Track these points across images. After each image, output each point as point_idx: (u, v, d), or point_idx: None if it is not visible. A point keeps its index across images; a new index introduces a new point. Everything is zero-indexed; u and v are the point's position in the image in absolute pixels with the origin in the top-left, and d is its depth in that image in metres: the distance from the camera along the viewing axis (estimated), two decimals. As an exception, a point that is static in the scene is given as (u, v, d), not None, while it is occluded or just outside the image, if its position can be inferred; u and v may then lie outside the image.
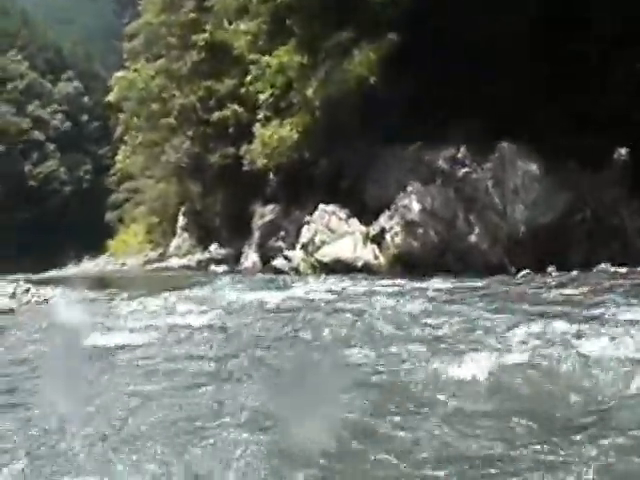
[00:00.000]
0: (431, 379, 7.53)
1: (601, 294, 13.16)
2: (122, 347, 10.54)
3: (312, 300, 14.86)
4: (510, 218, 21.17)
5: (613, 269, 18.26)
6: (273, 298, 15.54)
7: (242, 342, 10.44)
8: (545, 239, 20.39)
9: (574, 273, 17.94)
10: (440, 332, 10.02)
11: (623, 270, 17.78)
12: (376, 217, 24.73)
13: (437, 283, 17.91)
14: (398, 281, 19.03)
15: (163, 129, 40.60)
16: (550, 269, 19.20)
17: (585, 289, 14.27)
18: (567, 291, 14.36)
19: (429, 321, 10.84)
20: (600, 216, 20.37)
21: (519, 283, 17.39)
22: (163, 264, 42.90)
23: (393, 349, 9.00)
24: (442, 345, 9.05)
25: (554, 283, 16.30)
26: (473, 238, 21.31)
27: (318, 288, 18.00)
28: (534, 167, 20.85)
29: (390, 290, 16.65)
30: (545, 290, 15.09)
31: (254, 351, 9.51)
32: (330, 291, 17.04)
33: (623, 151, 21.03)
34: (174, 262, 42.23)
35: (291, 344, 10.06)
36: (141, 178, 51.83)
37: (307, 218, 27.98)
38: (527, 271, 19.38)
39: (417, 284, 17.84)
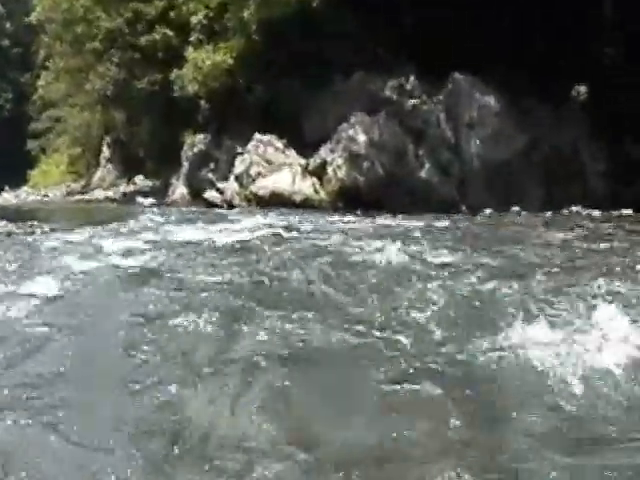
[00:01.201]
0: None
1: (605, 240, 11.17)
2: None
3: (264, 236, 12.35)
4: (464, 153, 19.16)
5: (585, 212, 16.40)
6: (216, 234, 12.98)
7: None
8: (501, 177, 18.49)
9: (548, 214, 16.01)
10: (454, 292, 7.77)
11: (596, 213, 15.93)
12: (314, 149, 22.48)
13: (393, 220, 15.73)
14: (348, 218, 16.81)
15: (88, 54, 37.14)
16: (515, 209, 17.25)
17: (581, 233, 12.26)
18: (560, 235, 12.25)
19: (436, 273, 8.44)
20: (560, 156, 18.49)
21: (490, 223, 15.27)
22: (86, 196, 39.91)
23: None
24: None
25: (539, 224, 14.24)
26: (423, 173, 19.22)
27: (263, 223, 15.60)
28: (491, 101, 18.79)
29: (350, 227, 14.36)
30: (535, 232, 12.98)
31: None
32: (278, 227, 14.58)
33: (582, 88, 19.14)
34: (98, 194, 39.39)
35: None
36: (64, 106, 48.24)
37: (240, 149, 25.56)
38: (490, 210, 17.38)
39: (371, 221, 15.68)
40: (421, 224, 14.59)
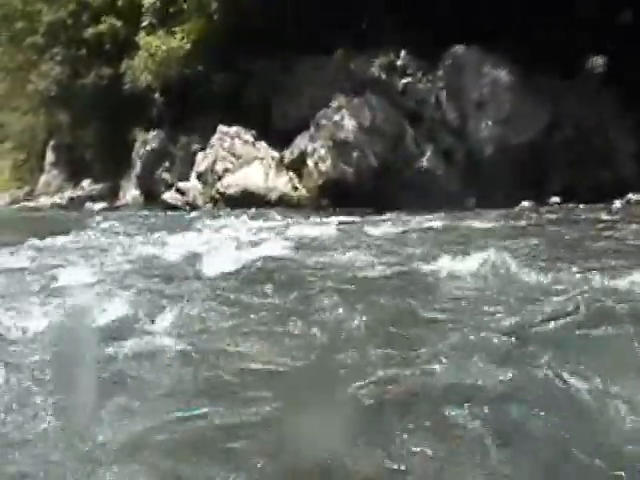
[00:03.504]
0: None
1: None
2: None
3: (268, 256, 7.87)
4: (470, 138, 15.46)
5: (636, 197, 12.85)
6: (194, 251, 8.53)
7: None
8: (518, 164, 14.79)
9: (600, 205, 12.35)
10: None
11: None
12: (289, 139, 18.64)
13: (408, 222, 11.76)
14: (347, 218, 12.87)
15: (29, 51, 32.80)
16: (555, 200, 13.65)
17: None
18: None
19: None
20: (584, 136, 14.93)
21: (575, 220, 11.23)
22: (31, 203, 35.37)
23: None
24: None
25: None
26: (424, 162, 15.48)
27: (247, 229, 11.50)
28: (504, 75, 15.09)
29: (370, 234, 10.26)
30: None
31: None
32: (260, 235, 10.30)
33: (599, 60, 15.68)
34: (43, 201, 34.89)
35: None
36: (5, 110, 43.42)
37: (196, 145, 21.78)
38: (527, 203, 13.73)
39: (382, 221, 11.83)
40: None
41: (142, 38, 23.03)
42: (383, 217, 12.67)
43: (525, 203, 13.69)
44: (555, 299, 4.86)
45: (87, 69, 29.67)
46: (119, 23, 26.79)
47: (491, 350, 3.95)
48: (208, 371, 4.08)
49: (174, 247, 8.99)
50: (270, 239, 9.22)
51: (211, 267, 6.93)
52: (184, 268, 7.31)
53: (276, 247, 8.24)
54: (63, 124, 35.42)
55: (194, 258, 7.69)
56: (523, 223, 11.01)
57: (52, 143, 37.44)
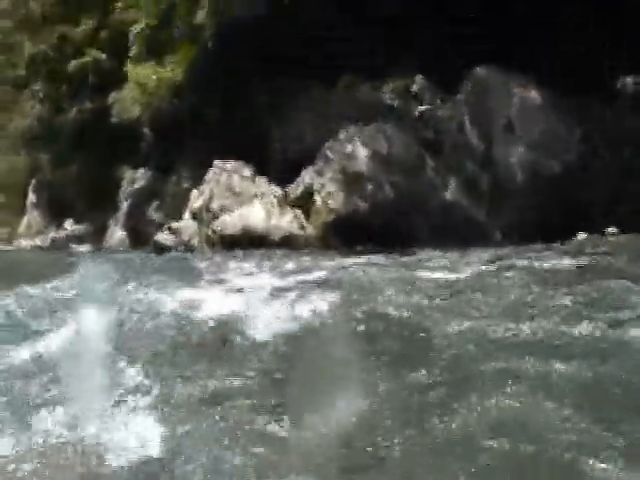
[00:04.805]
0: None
1: None
2: None
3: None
4: (497, 165, 13.91)
5: None
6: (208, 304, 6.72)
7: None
8: (553, 192, 13.26)
9: None
10: None
11: None
12: (290, 174, 17.07)
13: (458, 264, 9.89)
14: (374, 259, 11.19)
15: (9, 87, 31.29)
16: (612, 230, 12.05)
17: None
18: None
19: None
20: (624, 159, 13.45)
21: None
22: (10, 247, 33.56)
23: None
24: None
25: None
26: (448, 193, 13.90)
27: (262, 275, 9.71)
28: (534, 95, 13.59)
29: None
30: None
31: None
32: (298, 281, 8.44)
33: (629, 79, 14.34)
34: (24, 243, 33.14)
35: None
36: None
37: (189, 182, 20.23)
38: (583, 235, 12.10)
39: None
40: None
41: (130, 69, 21.44)
42: (416, 257, 11.04)
43: (582, 235, 12.01)
44: None
45: (69, 104, 28.22)
46: (103, 55, 25.33)
47: None
48: None
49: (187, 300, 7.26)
50: (306, 289, 7.46)
51: (252, 331, 5.28)
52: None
53: (322, 300, 6.53)
54: (44, 162, 33.86)
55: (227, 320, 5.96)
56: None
57: (33, 183, 35.78)
